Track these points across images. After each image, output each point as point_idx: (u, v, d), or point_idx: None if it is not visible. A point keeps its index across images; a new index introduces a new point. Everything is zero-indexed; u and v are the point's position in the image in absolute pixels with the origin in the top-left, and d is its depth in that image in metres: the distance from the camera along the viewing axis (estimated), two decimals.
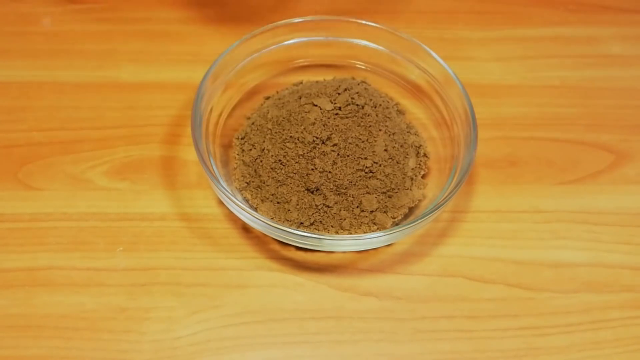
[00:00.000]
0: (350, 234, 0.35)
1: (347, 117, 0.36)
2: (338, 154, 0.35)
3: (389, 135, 0.37)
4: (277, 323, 0.34)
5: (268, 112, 0.38)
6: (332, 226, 0.35)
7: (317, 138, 0.35)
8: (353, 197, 0.35)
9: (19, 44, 0.46)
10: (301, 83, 0.42)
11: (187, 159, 0.40)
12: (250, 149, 0.38)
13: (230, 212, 0.36)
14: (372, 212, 0.35)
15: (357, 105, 0.37)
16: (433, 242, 0.37)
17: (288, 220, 0.35)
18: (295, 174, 0.35)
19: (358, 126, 0.36)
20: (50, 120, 0.42)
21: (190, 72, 0.45)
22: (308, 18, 0.42)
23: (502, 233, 0.38)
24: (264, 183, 0.36)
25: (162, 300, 0.34)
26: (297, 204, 0.35)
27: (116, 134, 0.41)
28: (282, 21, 0.42)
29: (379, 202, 0.36)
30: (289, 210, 0.35)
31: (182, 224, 0.37)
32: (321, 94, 0.37)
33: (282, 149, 0.36)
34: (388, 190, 0.36)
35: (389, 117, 0.38)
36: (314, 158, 0.35)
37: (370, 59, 0.44)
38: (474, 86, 0.45)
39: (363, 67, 0.44)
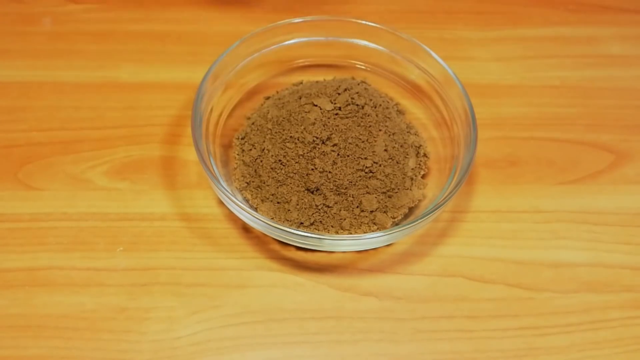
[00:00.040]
0: (350, 234, 0.35)
1: (347, 117, 0.36)
2: (338, 154, 0.35)
3: (389, 135, 0.37)
4: (277, 323, 0.34)
5: (268, 112, 0.38)
6: (332, 226, 0.35)
7: (317, 138, 0.35)
8: (353, 197, 0.35)
9: (19, 44, 0.46)
10: (301, 83, 0.42)
11: (187, 159, 0.40)
12: (251, 149, 0.38)
13: (230, 212, 0.36)
14: (372, 212, 0.35)
15: (357, 105, 0.37)
16: (433, 242, 0.37)
17: (288, 220, 0.35)
18: (295, 174, 0.35)
19: (358, 126, 0.36)
20: (50, 120, 0.42)
21: (190, 72, 0.45)
22: (308, 18, 0.42)
23: (502, 233, 0.38)
24: (264, 183, 0.36)
25: (162, 300, 0.34)
26: (297, 204, 0.35)
27: (116, 134, 0.41)
28: (282, 21, 0.42)
29: (379, 202, 0.36)
30: (289, 210, 0.35)
31: (182, 224, 0.37)
32: (321, 94, 0.37)
33: (282, 149, 0.36)
34: (388, 190, 0.36)
35: (389, 117, 0.38)
36: (314, 158, 0.35)
37: (370, 59, 0.44)
38: (474, 86, 0.45)
39: (363, 67, 0.44)
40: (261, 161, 0.37)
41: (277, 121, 0.37)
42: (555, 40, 0.50)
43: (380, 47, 0.43)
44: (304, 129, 0.36)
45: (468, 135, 0.37)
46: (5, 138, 0.41)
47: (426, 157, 0.39)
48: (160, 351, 0.32)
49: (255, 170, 0.37)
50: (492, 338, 0.34)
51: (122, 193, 0.38)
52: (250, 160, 0.37)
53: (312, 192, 0.35)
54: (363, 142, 0.36)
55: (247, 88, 0.43)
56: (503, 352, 0.33)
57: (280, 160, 0.36)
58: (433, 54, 0.40)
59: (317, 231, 0.35)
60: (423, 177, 0.39)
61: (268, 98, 0.42)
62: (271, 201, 0.36)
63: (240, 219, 0.35)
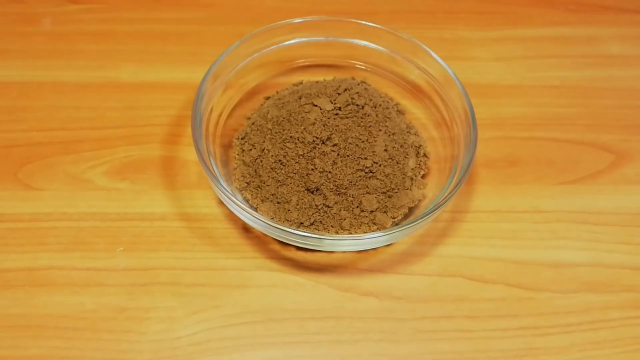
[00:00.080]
0: (350, 234, 0.35)
1: (347, 117, 0.36)
2: (338, 154, 0.35)
3: (389, 135, 0.37)
4: (277, 323, 0.34)
5: (268, 112, 0.38)
6: (332, 226, 0.35)
7: (317, 138, 0.35)
8: (353, 197, 0.35)
9: (19, 44, 0.46)
10: (301, 83, 0.42)
11: (187, 159, 0.40)
12: (251, 149, 0.38)
13: (230, 212, 0.36)
14: (372, 212, 0.35)
15: (357, 105, 0.37)
16: (433, 242, 0.37)
17: (288, 220, 0.35)
18: (295, 174, 0.35)
19: (358, 126, 0.36)
20: (50, 120, 0.42)
21: (190, 72, 0.45)
22: (308, 18, 0.42)
23: (502, 233, 0.38)
24: (264, 183, 0.36)
25: (162, 300, 0.34)
26: (297, 204, 0.35)
27: (116, 134, 0.41)
28: (282, 21, 0.42)
29: (379, 202, 0.36)
30: (289, 210, 0.35)
31: (182, 224, 0.37)
32: (321, 94, 0.37)
33: (282, 149, 0.36)
34: (388, 190, 0.36)
35: (389, 117, 0.38)
36: (314, 158, 0.35)
37: (370, 59, 0.44)
38: (474, 86, 0.45)
39: (363, 67, 0.44)
40: (261, 161, 0.37)
41: (277, 121, 0.37)
42: (555, 40, 0.50)
43: (380, 47, 0.43)
44: (304, 129, 0.36)
45: (468, 135, 0.37)
46: (5, 138, 0.41)
47: (426, 157, 0.39)
48: (160, 351, 0.32)
49: (255, 170, 0.37)
50: (492, 338, 0.34)
51: (122, 193, 0.38)
52: (250, 160, 0.37)
53: (312, 192, 0.35)
54: (363, 142, 0.36)
55: (247, 88, 0.43)
56: (503, 352, 0.33)
57: (280, 160, 0.36)
58: (433, 54, 0.40)
59: (317, 231, 0.35)
60: (423, 177, 0.39)
61: (268, 98, 0.42)
62: (271, 201, 0.36)
63: (240, 219, 0.35)
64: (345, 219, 0.35)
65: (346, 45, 0.43)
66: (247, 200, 0.37)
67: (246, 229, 0.37)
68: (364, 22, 0.42)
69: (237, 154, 0.38)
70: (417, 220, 0.33)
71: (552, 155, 0.42)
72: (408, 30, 0.42)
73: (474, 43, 0.49)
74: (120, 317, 0.33)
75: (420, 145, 0.39)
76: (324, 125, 0.36)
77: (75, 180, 0.39)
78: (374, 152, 0.36)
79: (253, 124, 0.39)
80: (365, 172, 0.35)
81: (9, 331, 0.33)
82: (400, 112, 0.41)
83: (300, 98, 0.38)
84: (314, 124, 0.36)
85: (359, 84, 0.39)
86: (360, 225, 0.35)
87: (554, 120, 0.44)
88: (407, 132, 0.39)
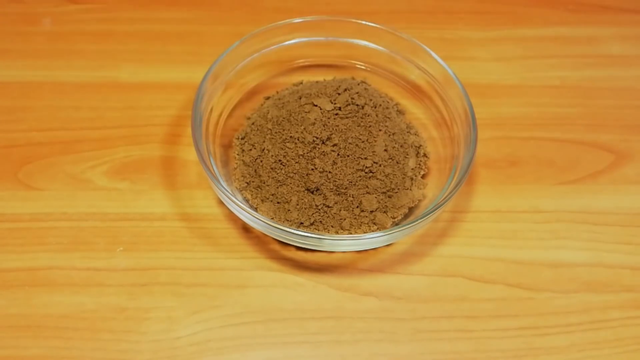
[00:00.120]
0: (350, 234, 0.35)
1: (347, 117, 0.36)
2: (338, 154, 0.35)
3: (389, 135, 0.37)
4: (277, 323, 0.34)
5: (268, 112, 0.38)
6: (332, 226, 0.35)
7: (317, 138, 0.35)
8: (353, 197, 0.35)
9: (19, 44, 0.46)
10: (301, 83, 0.42)
11: (187, 159, 0.40)
12: (250, 149, 0.38)
13: (230, 212, 0.36)
14: (372, 212, 0.35)
15: (357, 105, 0.37)
16: (433, 242, 0.37)
17: (288, 220, 0.35)
18: (295, 174, 0.35)
19: (358, 126, 0.36)
20: (50, 120, 0.42)
21: (190, 72, 0.45)
22: (308, 18, 0.42)
23: (502, 233, 0.38)
24: (264, 183, 0.36)
25: (162, 300, 0.34)
26: (297, 204, 0.35)
27: (116, 134, 0.41)
28: (282, 21, 0.42)
29: (379, 202, 0.36)
30: (289, 210, 0.35)
31: (182, 224, 0.37)
32: (321, 94, 0.37)
33: (282, 149, 0.36)
34: (388, 190, 0.36)
35: (389, 117, 0.38)
36: (314, 158, 0.35)
37: (370, 59, 0.44)
38: (474, 86, 0.45)
39: (363, 67, 0.44)
40: (261, 161, 0.37)
41: (277, 121, 0.37)
42: (555, 40, 0.50)
43: (380, 47, 0.43)
44: (304, 129, 0.36)
45: (468, 135, 0.37)
46: (5, 138, 0.41)
47: (426, 157, 0.39)
48: (160, 351, 0.32)
49: (255, 170, 0.37)
50: (492, 338, 0.34)
51: (122, 193, 0.38)
52: (250, 160, 0.37)
53: (312, 192, 0.35)
54: (363, 142, 0.36)
55: (247, 88, 0.43)
56: (503, 352, 0.33)
57: (280, 160, 0.36)
58: (433, 54, 0.40)
59: (317, 231, 0.35)
60: (423, 177, 0.39)
61: (268, 98, 0.42)
62: (271, 201, 0.36)
63: (240, 219, 0.35)
64: (345, 219, 0.35)
65: (346, 45, 0.43)
66: (247, 200, 0.37)
67: (246, 229, 0.37)
68: (364, 22, 0.42)
69: (237, 154, 0.38)
70: (417, 220, 0.33)
71: (552, 155, 0.42)
72: (408, 30, 0.42)
73: (474, 43, 0.49)
74: (120, 317, 0.33)
75: (420, 145, 0.39)
76: (324, 125, 0.36)
77: (75, 180, 0.39)
78: (374, 152, 0.36)
79: (253, 124, 0.39)
80: (365, 172, 0.35)
81: (9, 331, 0.33)
82: (400, 112, 0.41)
83: (300, 98, 0.38)
84: (314, 124, 0.36)
85: (359, 84, 0.39)
86: (360, 225, 0.35)
87: (554, 120, 0.44)
88: (407, 132, 0.39)
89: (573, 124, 0.44)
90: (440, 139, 0.41)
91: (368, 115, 0.36)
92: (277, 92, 0.42)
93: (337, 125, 0.36)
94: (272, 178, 0.36)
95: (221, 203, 0.38)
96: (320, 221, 0.35)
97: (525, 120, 0.44)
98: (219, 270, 0.35)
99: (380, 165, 0.36)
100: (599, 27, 0.51)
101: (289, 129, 0.36)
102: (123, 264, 0.35)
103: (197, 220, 0.37)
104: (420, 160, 0.39)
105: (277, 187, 0.36)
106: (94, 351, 0.32)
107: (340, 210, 0.35)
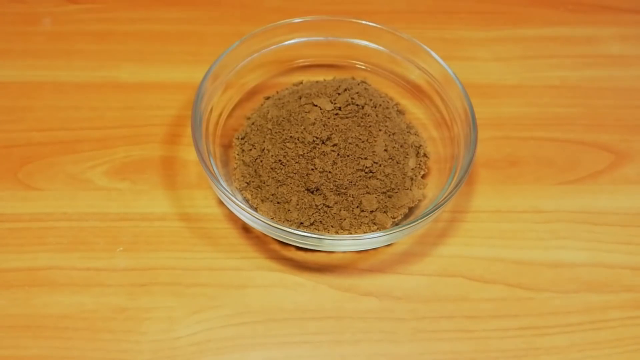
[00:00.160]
0: (350, 234, 0.35)
1: (347, 117, 0.36)
2: (338, 154, 0.35)
3: (389, 135, 0.37)
4: (277, 323, 0.34)
5: (268, 112, 0.38)
6: (332, 226, 0.35)
7: (317, 138, 0.35)
8: (353, 197, 0.35)
9: (19, 44, 0.46)
10: (301, 83, 0.42)
11: (187, 159, 0.40)
12: (250, 149, 0.38)
13: (230, 212, 0.36)
14: (372, 212, 0.35)
15: (357, 105, 0.37)
16: (433, 242, 0.37)
17: (288, 220, 0.35)
18: (295, 174, 0.35)
19: (358, 126, 0.36)
20: (50, 120, 0.42)
21: (190, 72, 0.45)
22: (308, 18, 0.42)
23: (502, 233, 0.38)
24: (264, 183, 0.36)
25: (162, 300, 0.34)
26: (297, 204, 0.35)
27: (116, 134, 0.41)
28: (282, 21, 0.42)
29: (379, 202, 0.36)
30: (289, 210, 0.35)
31: (182, 224, 0.37)
32: (321, 94, 0.37)
33: (282, 149, 0.36)
34: (388, 190, 0.36)
35: (389, 117, 0.38)
36: (314, 158, 0.35)
37: (370, 59, 0.44)
38: (474, 86, 0.45)
39: (363, 67, 0.44)
40: (261, 161, 0.37)
41: (277, 121, 0.37)
42: (555, 40, 0.50)
43: (380, 47, 0.43)
44: (304, 129, 0.36)
45: (468, 135, 0.37)
46: (5, 138, 0.41)
47: (426, 157, 0.39)
48: (160, 351, 0.32)
49: (255, 170, 0.37)
50: (492, 338, 0.34)
51: (122, 193, 0.38)
52: (250, 160, 0.37)
53: (312, 192, 0.35)
54: (363, 142, 0.36)
55: (247, 88, 0.43)
56: (503, 352, 0.33)
57: (280, 160, 0.36)
58: (433, 54, 0.40)
59: (317, 231, 0.35)
60: (423, 177, 0.39)
61: (268, 98, 0.42)
62: (271, 201, 0.36)
63: (240, 219, 0.35)
64: (345, 219, 0.35)
65: (346, 45, 0.43)
66: (247, 200, 0.37)
67: (246, 229, 0.37)
68: (364, 22, 0.42)
69: (237, 154, 0.38)
70: (417, 220, 0.33)
71: (552, 155, 0.42)
72: (408, 30, 0.42)
73: (474, 43, 0.49)
74: (120, 317, 0.33)
75: (420, 145, 0.39)
76: (324, 125, 0.36)
77: (75, 180, 0.39)
78: (374, 152, 0.36)
79: (253, 124, 0.39)
80: (365, 172, 0.35)
81: (9, 331, 0.33)
82: (400, 112, 0.41)
83: (300, 98, 0.38)
84: (314, 124, 0.36)
85: (359, 84, 0.39)
86: (360, 225, 0.35)
87: (554, 120, 0.44)
88: (407, 132, 0.39)
89: (573, 124, 0.44)
90: (440, 139, 0.41)
91: (368, 115, 0.36)
92: (277, 92, 0.42)
93: (337, 125, 0.36)
94: (272, 178, 0.36)
95: (221, 203, 0.38)
96: (320, 221, 0.35)
97: (525, 120, 0.44)
98: (219, 270, 0.35)
99: (380, 165, 0.36)
100: (599, 27, 0.51)
101: (289, 129, 0.36)
102: (123, 264, 0.35)
103: (197, 220, 0.37)
104: (420, 160, 0.39)
105: (277, 187, 0.36)
106: (94, 351, 0.32)
107: (340, 210, 0.35)
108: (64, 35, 0.47)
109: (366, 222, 0.35)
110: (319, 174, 0.35)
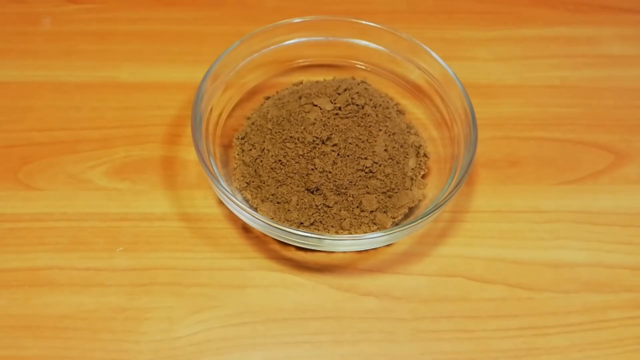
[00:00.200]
0: (350, 234, 0.35)
1: (347, 117, 0.36)
2: (338, 154, 0.35)
3: (389, 135, 0.37)
4: (277, 323, 0.34)
5: (268, 112, 0.38)
6: (332, 226, 0.35)
7: (317, 138, 0.35)
8: (353, 197, 0.35)
9: (19, 44, 0.46)
10: (301, 83, 0.42)
11: (187, 159, 0.40)
12: (250, 149, 0.38)
13: (230, 212, 0.36)
14: (372, 212, 0.35)
15: (357, 105, 0.37)
16: (433, 242, 0.37)
17: (288, 220, 0.35)
18: (295, 174, 0.35)
19: (358, 126, 0.36)
20: (50, 120, 0.42)
21: (190, 72, 0.45)
22: (308, 18, 0.42)
23: (502, 233, 0.38)
24: (264, 183, 0.36)
25: (162, 300, 0.34)
26: (297, 204, 0.35)
27: (116, 134, 0.41)
28: (282, 21, 0.42)
29: (379, 202, 0.36)
30: (289, 210, 0.35)
31: (182, 224, 0.37)
32: (321, 94, 0.37)
33: (282, 149, 0.36)
34: (388, 190, 0.36)
35: (389, 117, 0.38)
36: (314, 158, 0.35)
37: (370, 59, 0.44)
38: (474, 86, 0.45)
39: (363, 67, 0.44)
40: (261, 161, 0.37)
41: (277, 121, 0.37)
42: (555, 40, 0.50)
43: (380, 47, 0.43)
44: (304, 129, 0.36)
45: (468, 135, 0.37)
46: (5, 138, 0.41)
47: (426, 157, 0.39)
48: (160, 351, 0.32)
49: (255, 170, 0.37)
50: (492, 338, 0.34)
51: (122, 193, 0.38)
52: (250, 160, 0.37)
53: (312, 192, 0.35)
54: (363, 142, 0.36)
55: (247, 88, 0.43)
56: (503, 352, 0.33)
57: (280, 160, 0.36)
58: (433, 54, 0.40)
59: (317, 231, 0.35)
60: (423, 177, 0.39)
61: (268, 98, 0.42)
62: (271, 201, 0.36)
63: (240, 219, 0.35)
64: (345, 219, 0.35)
65: (346, 45, 0.43)
66: (247, 200, 0.37)
67: (246, 229, 0.37)
68: (364, 22, 0.42)
69: (237, 154, 0.38)
70: (417, 220, 0.33)
71: (552, 155, 0.42)
72: (408, 30, 0.42)
73: (474, 43, 0.49)
74: (120, 317, 0.33)
75: (420, 145, 0.39)
76: (324, 125, 0.36)
77: (75, 180, 0.39)
78: (374, 152, 0.36)
79: (253, 124, 0.39)
80: (365, 172, 0.35)
81: (9, 331, 0.33)
82: (400, 112, 0.41)
83: (300, 98, 0.38)
84: (314, 124, 0.36)
85: (359, 84, 0.39)
86: (360, 225, 0.35)
87: (554, 120, 0.44)
88: (407, 132, 0.39)
89: (573, 124, 0.44)
90: (440, 139, 0.41)
91: (368, 115, 0.36)
92: (277, 92, 0.42)
93: (337, 125, 0.36)
94: (272, 178, 0.36)
95: (221, 203, 0.38)
96: (320, 221, 0.35)
97: (525, 120, 0.44)
98: (219, 270, 0.35)
99: (380, 165, 0.36)
100: (599, 27, 0.51)
101: (289, 129, 0.36)
102: (123, 264, 0.35)
103: (197, 220, 0.37)
104: (420, 160, 0.39)
105: (277, 187, 0.36)
106: (94, 351, 0.32)
107: (340, 210, 0.35)
108: (64, 35, 0.47)
109: (366, 222, 0.35)
110: (319, 174, 0.35)
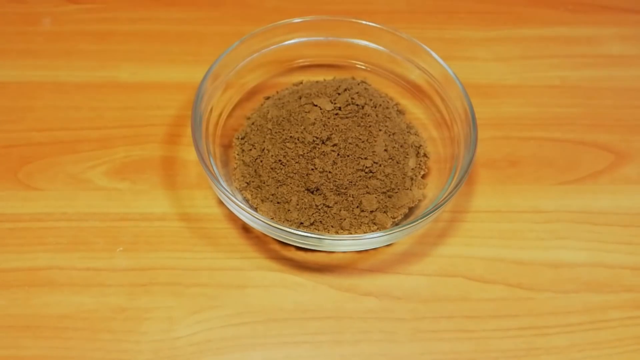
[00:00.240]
0: (350, 234, 0.35)
1: (347, 117, 0.36)
2: (338, 154, 0.35)
3: (389, 135, 0.37)
4: (277, 323, 0.34)
5: (268, 112, 0.38)
6: (332, 226, 0.35)
7: (317, 138, 0.35)
8: (353, 197, 0.35)
9: (19, 44, 0.46)
10: (301, 83, 0.42)
11: (187, 159, 0.40)
12: (250, 149, 0.38)
13: (230, 212, 0.36)
14: (372, 212, 0.35)
15: (357, 105, 0.37)
16: (433, 242, 0.37)
17: (288, 220, 0.35)
18: (295, 174, 0.35)
19: (358, 126, 0.36)
20: (50, 120, 0.42)
21: (190, 72, 0.45)
22: (308, 18, 0.42)
23: (502, 233, 0.38)
24: (264, 183, 0.36)
25: (162, 300, 0.34)
26: (297, 204, 0.35)
27: (116, 134, 0.41)
28: (282, 21, 0.42)
29: (379, 202, 0.36)
30: (289, 210, 0.35)
31: (182, 224, 0.37)
32: (321, 94, 0.37)
33: (282, 149, 0.36)
34: (388, 190, 0.36)
35: (389, 117, 0.38)
36: (314, 158, 0.35)
37: (370, 59, 0.44)
38: (474, 86, 0.45)
39: (363, 67, 0.44)
40: (261, 161, 0.37)
41: (277, 121, 0.37)
42: (555, 40, 0.50)
43: (380, 47, 0.43)
44: (304, 129, 0.36)
45: (468, 135, 0.37)
46: (5, 138, 0.41)
47: (426, 157, 0.39)
48: (160, 351, 0.32)
49: (255, 170, 0.37)
50: (492, 338, 0.34)
51: (122, 193, 0.38)
52: (250, 160, 0.37)
53: (312, 192, 0.35)
54: (363, 142, 0.36)
55: (247, 88, 0.43)
56: (503, 352, 0.33)
57: (280, 160, 0.36)
58: (433, 54, 0.40)
59: (317, 231, 0.35)
60: (423, 177, 0.39)
61: (268, 98, 0.42)
62: (271, 201, 0.36)
63: (240, 219, 0.35)
64: (345, 219, 0.35)
65: (346, 45, 0.43)
66: (247, 200, 0.37)
67: (246, 229, 0.37)
68: (364, 22, 0.42)
69: (237, 154, 0.38)
70: (417, 220, 0.33)
71: (552, 155, 0.42)
72: (408, 30, 0.42)
73: (474, 43, 0.49)
74: (120, 317, 0.33)
75: (420, 145, 0.39)
76: (324, 125, 0.36)
77: (75, 180, 0.39)
78: (374, 152, 0.36)
79: (253, 124, 0.39)
80: (365, 172, 0.35)
81: (9, 331, 0.33)
82: (400, 112, 0.41)
83: (300, 98, 0.38)
84: (314, 124, 0.36)
85: (359, 84, 0.39)
86: (360, 225, 0.35)
87: (554, 120, 0.44)
88: (407, 132, 0.39)
89: (573, 124, 0.44)
90: (440, 139, 0.41)
91: (368, 115, 0.36)
92: (277, 92, 0.42)
93: (337, 125, 0.36)
94: (272, 178, 0.36)
95: (221, 203, 0.38)
96: (320, 221, 0.35)
97: (525, 120, 0.44)
98: (219, 270, 0.35)
99: (380, 165, 0.36)
100: (599, 27, 0.51)
101: (289, 129, 0.36)
102: (123, 264, 0.35)
103: (197, 220, 0.37)
104: (420, 160, 0.39)
105: (277, 187, 0.36)
106: (94, 351, 0.32)
107: (340, 210, 0.35)
108: (64, 35, 0.47)
109: (366, 222, 0.35)
110: (319, 174, 0.35)
